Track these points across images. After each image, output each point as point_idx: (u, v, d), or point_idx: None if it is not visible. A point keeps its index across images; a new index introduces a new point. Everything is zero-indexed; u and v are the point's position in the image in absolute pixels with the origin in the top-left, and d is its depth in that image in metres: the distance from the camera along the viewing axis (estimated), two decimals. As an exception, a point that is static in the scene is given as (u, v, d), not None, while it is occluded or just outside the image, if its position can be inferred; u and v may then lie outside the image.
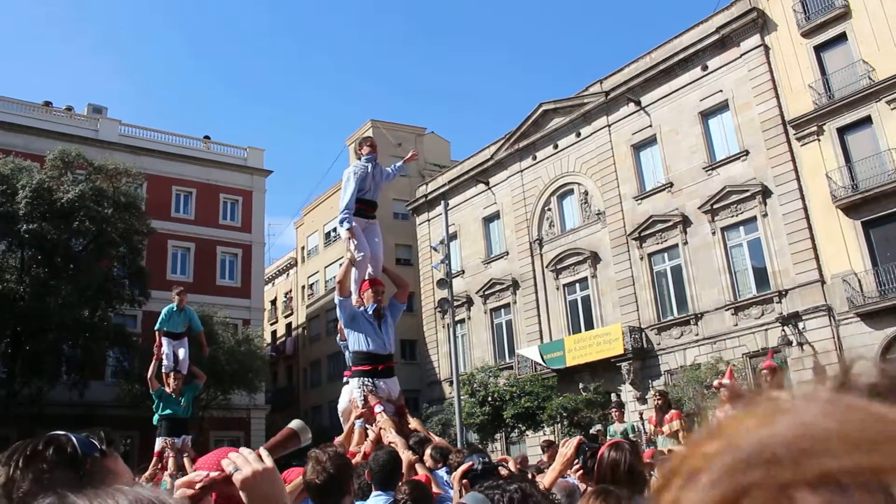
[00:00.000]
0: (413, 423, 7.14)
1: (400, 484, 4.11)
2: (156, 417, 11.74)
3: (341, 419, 7.65)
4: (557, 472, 3.89)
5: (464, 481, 3.31)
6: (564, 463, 3.84)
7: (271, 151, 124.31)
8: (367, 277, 7.61)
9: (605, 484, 3.25)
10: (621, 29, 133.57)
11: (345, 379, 7.98)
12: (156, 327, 12.22)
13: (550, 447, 13.10)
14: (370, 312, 7.24)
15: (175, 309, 12.09)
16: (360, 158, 7.86)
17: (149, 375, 11.71)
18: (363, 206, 7.81)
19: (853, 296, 22.54)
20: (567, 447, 3.89)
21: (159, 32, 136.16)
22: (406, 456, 4.98)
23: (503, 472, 4.10)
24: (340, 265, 7.60)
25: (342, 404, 7.80)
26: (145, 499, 0.76)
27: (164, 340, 11.96)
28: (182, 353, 12.10)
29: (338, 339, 8.21)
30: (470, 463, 3.47)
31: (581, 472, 3.80)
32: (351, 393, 7.29)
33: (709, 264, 26.58)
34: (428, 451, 5.75)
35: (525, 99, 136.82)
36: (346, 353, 7.96)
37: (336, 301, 7.25)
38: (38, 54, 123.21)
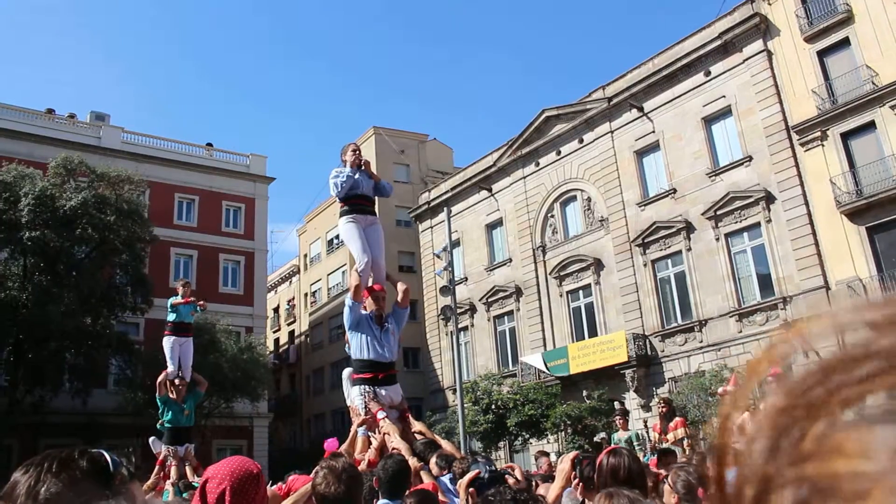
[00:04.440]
0: (417, 426, 7.06)
1: (406, 494, 4.04)
2: (165, 425, 11.63)
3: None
4: (560, 487, 3.84)
5: (470, 489, 3.24)
6: (564, 479, 3.80)
7: (274, 158, 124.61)
8: (366, 285, 7.51)
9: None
10: (624, 35, 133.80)
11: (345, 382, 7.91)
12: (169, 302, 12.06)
13: (545, 457, 13.01)
14: (374, 320, 7.18)
15: (181, 299, 11.97)
16: (344, 165, 7.77)
17: (159, 380, 11.64)
18: (359, 201, 7.70)
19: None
20: (563, 462, 3.86)
21: (162, 40, 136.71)
22: (411, 463, 4.91)
23: (510, 480, 4.03)
24: (356, 270, 7.47)
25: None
26: None
27: (169, 340, 11.84)
28: (186, 358, 11.99)
29: (347, 348, 8.06)
30: (476, 471, 3.40)
31: (580, 485, 3.75)
32: (352, 401, 7.21)
33: (712, 271, 26.48)
34: (433, 460, 5.67)
35: (527, 105, 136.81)
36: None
37: (348, 304, 7.17)
38: (40, 62, 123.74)
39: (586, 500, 3.85)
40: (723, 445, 0.45)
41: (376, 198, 8.10)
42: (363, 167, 7.75)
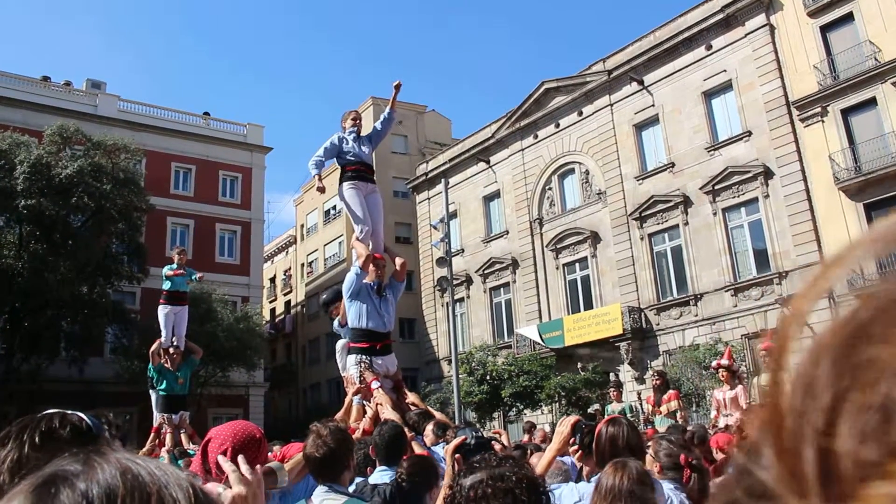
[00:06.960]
0: (411, 397, 7.11)
1: (403, 459, 4.07)
2: (156, 394, 11.67)
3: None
4: (555, 451, 3.82)
5: (456, 455, 3.26)
6: (561, 442, 3.78)
7: (271, 128, 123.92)
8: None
9: (604, 460, 3.20)
10: (625, 7, 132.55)
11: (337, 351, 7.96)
12: (164, 271, 12.00)
13: (533, 429, 13.08)
14: (374, 289, 7.19)
15: (176, 267, 11.92)
16: (343, 132, 7.79)
17: (152, 350, 11.66)
18: (359, 168, 7.68)
19: (854, 278, 22.47)
20: (563, 426, 3.83)
21: (161, 8, 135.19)
22: (402, 433, 4.94)
23: (496, 446, 4.05)
24: (358, 238, 7.47)
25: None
26: (132, 470, 0.68)
27: (164, 309, 11.84)
28: (180, 327, 12.00)
29: (336, 324, 8.00)
30: (462, 437, 3.42)
31: (580, 451, 3.74)
32: (347, 370, 7.25)
33: (709, 245, 26.51)
34: (429, 427, 5.72)
35: (527, 77, 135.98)
36: (343, 339, 7.88)
37: (355, 271, 7.16)
38: (36, 29, 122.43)
39: (584, 468, 3.87)
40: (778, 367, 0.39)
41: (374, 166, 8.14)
42: (358, 126, 7.79)
